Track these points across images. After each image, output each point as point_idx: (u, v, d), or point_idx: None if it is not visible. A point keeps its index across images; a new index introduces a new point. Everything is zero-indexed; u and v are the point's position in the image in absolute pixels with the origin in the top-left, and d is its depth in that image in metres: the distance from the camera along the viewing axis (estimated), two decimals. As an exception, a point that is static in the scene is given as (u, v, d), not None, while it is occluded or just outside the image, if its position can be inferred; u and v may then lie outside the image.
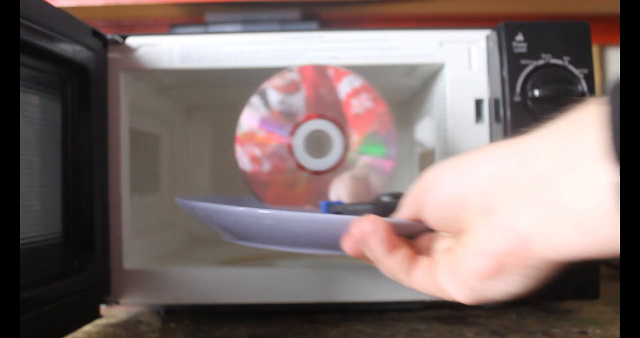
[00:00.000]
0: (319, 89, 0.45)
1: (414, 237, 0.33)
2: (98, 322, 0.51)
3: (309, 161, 0.46)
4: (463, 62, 0.50)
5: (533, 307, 0.55)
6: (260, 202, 0.46)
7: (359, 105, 0.45)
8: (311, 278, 0.50)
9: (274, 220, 0.33)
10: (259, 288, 0.50)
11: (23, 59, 0.39)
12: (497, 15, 0.86)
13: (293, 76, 0.46)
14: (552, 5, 0.82)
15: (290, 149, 0.46)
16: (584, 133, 0.23)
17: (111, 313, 0.55)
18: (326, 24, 0.89)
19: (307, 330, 0.49)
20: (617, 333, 0.46)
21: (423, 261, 0.31)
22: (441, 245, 0.31)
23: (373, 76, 0.57)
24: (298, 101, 0.46)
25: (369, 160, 0.46)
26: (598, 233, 0.23)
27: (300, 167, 0.46)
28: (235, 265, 0.53)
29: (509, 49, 0.46)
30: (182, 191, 0.74)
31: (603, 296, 0.49)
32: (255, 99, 0.47)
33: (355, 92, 0.46)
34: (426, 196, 0.31)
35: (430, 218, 0.31)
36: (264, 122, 0.46)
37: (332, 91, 0.45)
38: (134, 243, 0.53)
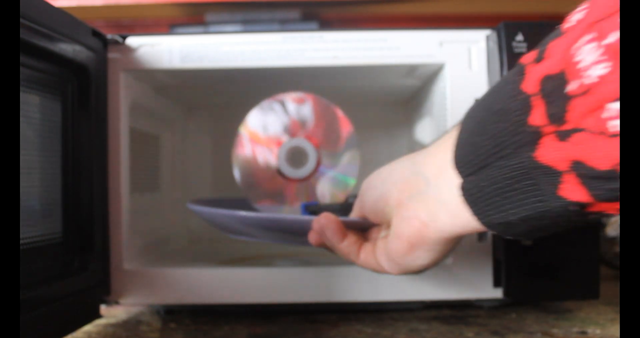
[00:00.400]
0: (299, 114, 0.56)
1: (366, 230, 0.42)
2: (98, 322, 0.51)
3: (289, 171, 0.55)
4: (463, 62, 0.50)
5: (533, 307, 0.55)
6: (253, 204, 0.56)
7: (329, 127, 0.56)
8: (311, 278, 0.50)
9: (257, 220, 0.44)
10: (259, 288, 0.50)
11: (23, 59, 0.39)
12: (497, 15, 0.86)
13: (275, 105, 0.56)
14: (552, 5, 0.82)
15: (275, 162, 0.55)
16: (446, 147, 0.34)
17: (111, 313, 0.55)
18: (326, 24, 0.89)
19: (307, 330, 0.49)
20: (617, 333, 0.46)
21: (367, 246, 0.41)
22: (381, 234, 0.41)
23: (373, 76, 0.57)
24: (281, 123, 0.56)
25: (335, 172, 0.56)
26: (461, 218, 0.33)
27: (282, 176, 0.55)
28: (235, 265, 0.53)
29: (509, 49, 0.46)
30: (182, 191, 0.74)
31: (603, 296, 0.49)
32: (243, 127, 0.57)
33: (325, 116, 0.56)
34: (364, 198, 0.41)
35: (368, 213, 0.41)
36: (253, 142, 0.56)
37: (309, 115, 0.56)
38: (134, 243, 0.53)
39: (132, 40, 0.50)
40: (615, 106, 0.24)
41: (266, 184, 0.55)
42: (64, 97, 0.45)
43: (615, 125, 0.24)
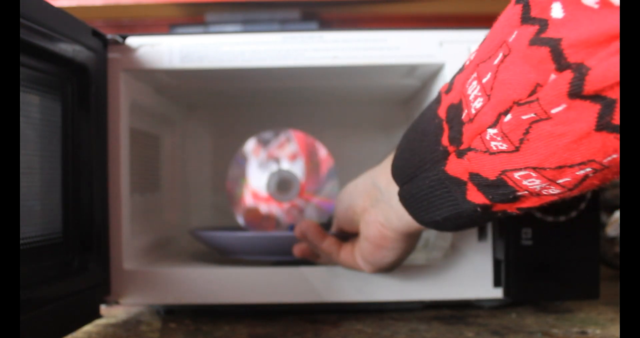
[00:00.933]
0: (289, 148, 0.67)
1: (349, 237, 0.49)
2: (98, 322, 0.51)
3: (277, 196, 0.65)
4: (463, 62, 0.50)
5: (533, 307, 0.55)
6: (245, 228, 0.65)
7: (311, 162, 0.66)
8: (311, 278, 0.50)
9: (251, 239, 0.54)
10: (259, 288, 0.50)
11: (23, 59, 0.39)
12: (496, 15, 0.86)
13: (265, 138, 0.67)
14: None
15: (265, 189, 0.65)
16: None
17: (111, 313, 0.55)
18: (326, 24, 0.89)
19: (307, 330, 0.49)
20: (617, 333, 0.46)
21: (347, 246, 0.48)
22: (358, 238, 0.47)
23: (373, 75, 0.57)
24: (272, 156, 0.66)
25: (315, 201, 0.66)
26: (405, 219, 0.40)
27: (271, 200, 0.65)
28: (235, 265, 0.53)
29: (509, 49, 0.46)
30: (182, 191, 0.74)
31: (603, 296, 0.49)
32: (239, 155, 0.67)
33: (309, 153, 0.66)
34: (337, 211, 0.49)
35: (342, 224, 0.49)
36: (247, 173, 0.67)
37: (297, 152, 0.67)
38: (134, 243, 0.53)
39: (132, 40, 0.50)
40: (492, 131, 0.30)
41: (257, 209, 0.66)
42: (64, 97, 0.45)
43: (495, 145, 0.30)
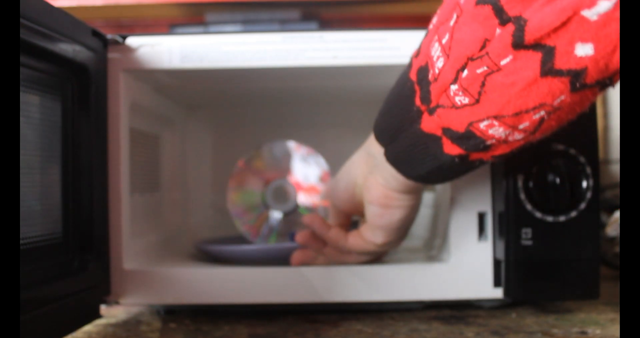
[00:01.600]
0: (286, 160, 0.68)
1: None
2: (98, 322, 0.51)
3: (275, 206, 0.66)
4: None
5: (533, 307, 0.55)
6: (245, 238, 0.66)
7: (311, 174, 0.68)
8: (311, 278, 0.50)
9: (255, 252, 0.57)
10: (259, 288, 0.50)
11: (23, 59, 0.39)
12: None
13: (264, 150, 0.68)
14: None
15: (263, 198, 0.66)
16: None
17: (111, 313, 0.55)
18: (326, 24, 0.89)
19: (307, 330, 0.49)
20: (617, 333, 0.46)
21: (353, 230, 0.51)
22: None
23: (373, 75, 0.57)
24: (270, 167, 0.67)
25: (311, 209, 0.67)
26: (397, 176, 0.43)
27: (271, 212, 0.66)
28: (235, 265, 0.53)
29: (509, 49, 0.46)
30: (182, 191, 0.74)
31: (603, 296, 0.49)
32: (238, 167, 0.68)
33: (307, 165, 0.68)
34: (335, 195, 0.51)
35: (343, 204, 0.51)
36: (247, 183, 0.68)
37: (289, 158, 0.68)
38: (134, 243, 0.53)
39: (132, 40, 0.50)
40: (454, 87, 0.32)
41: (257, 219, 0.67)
42: (64, 97, 0.45)
43: (459, 99, 0.33)
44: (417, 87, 0.36)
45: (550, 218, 0.48)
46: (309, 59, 0.50)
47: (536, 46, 0.28)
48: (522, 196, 0.48)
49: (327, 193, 0.54)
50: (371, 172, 0.46)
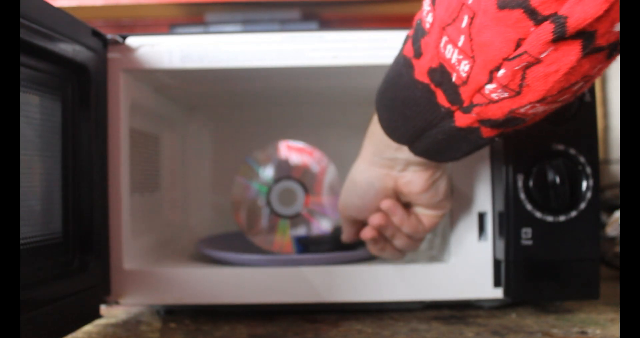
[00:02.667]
0: (289, 160, 0.65)
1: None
2: (98, 322, 0.51)
3: (281, 209, 0.63)
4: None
5: (533, 307, 0.55)
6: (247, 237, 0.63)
7: (315, 171, 0.65)
8: (311, 278, 0.50)
9: (257, 261, 0.54)
10: (259, 288, 0.50)
11: (23, 59, 0.39)
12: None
13: (271, 150, 0.65)
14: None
15: (267, 201, 0.63)
16: (381, 137, 0.44)
17: (111, 313, 0.55)
18: (326, 24, 0.89)
19: (307, 330, 0.49)
20: (617, 333, 0.46)
21: (413, 215, 0.49)
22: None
23: (373, 75, 0.57)
24: (274, 167, 0.64)
25: (322, 207, 0.64)
26: (422, 161, 0.44)
27: (275, 213, 0.63)
28: (235, 265, 0.53)
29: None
30: (182, 191, 0.74)
31: (603, 296, 0.49)
32: (244, 168, 0.65)
33: (308, 162, 0.65)
34: (355, 210, 0.50)
35: (363, 215, 0.50)
36: (251, 185, 0.65)
37: (296, 160, 0.65)
38: (134, 243, 0.53)
39: (132, 40, 0.50)
40: (490, 86, 0.33)
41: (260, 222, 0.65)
42: (64, 97, 0.45)
43: (496, 95, 0.33)
44: (435, 89, 0.36)
45: (550, 218, 0.48)
46: (309, 59, 0.50)
47: (577, 35, 0.28)
48: (522, 196, 0.48)
49: (341, 210, 0.52)
50: (401, 170, 0.46)
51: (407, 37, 0.40)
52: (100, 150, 0.48)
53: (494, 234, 0.50)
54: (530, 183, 0.47)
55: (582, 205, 0.48)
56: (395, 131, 0.42)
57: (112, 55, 0.50)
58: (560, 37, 0.29)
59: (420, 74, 0.37)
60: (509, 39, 0.30)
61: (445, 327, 0.49)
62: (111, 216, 0.49)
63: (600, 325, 0.49)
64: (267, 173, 0.64)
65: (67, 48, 0.42)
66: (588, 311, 0.53)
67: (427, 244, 0.64)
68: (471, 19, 0.32)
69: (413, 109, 0.38)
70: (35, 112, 0.42)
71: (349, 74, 0.56)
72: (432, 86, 0.36)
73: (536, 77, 0.31)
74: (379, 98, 0.42)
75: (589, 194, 0.48)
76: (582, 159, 0.48)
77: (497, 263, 0.50)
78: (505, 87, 0.32)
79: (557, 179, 0.47)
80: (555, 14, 0.28)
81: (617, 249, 0.69)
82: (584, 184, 0.48)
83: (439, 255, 0.56)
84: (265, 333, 0.48)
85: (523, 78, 0.31)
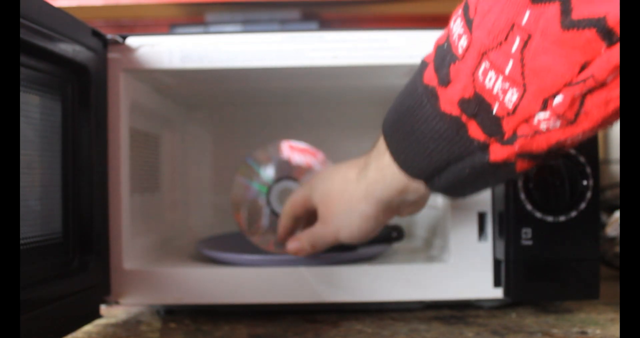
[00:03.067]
0: (289, 159, 0.65)
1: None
2: (98, 322, 0.51)
3: (280, 208, 0.60)
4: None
5: (533, 307, 0.55)
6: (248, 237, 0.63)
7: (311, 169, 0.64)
8: (311, 278, 0.50)
9: (256, 262, 0.53)
10: (259, 288, 0.50)
11: (23, 59, 0.39)
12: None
13: (271, 150, 0.65)
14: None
15: (267, 200, 0.63)
16: (381, 144, 0.41)
17: (111, 313, 0.55)
18: (326, 24, 0.89)
19: (307, 330, 0.49)
20: (617, 333, 0.46)
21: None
22: None
23: (373, 76, 0.57)
24: (274, 166, 0.64)
25: None
26: (396, 176, 0.40)
27: (275, 213, 0.62)
28: (235, 265, 0.53)
29: (509, 49, 0.46)
30: (182, 191, 0.74)
31: (603, 296, 0.49)
32: (244, 168, 0.65)
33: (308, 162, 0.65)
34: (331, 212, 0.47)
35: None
36: (251, 185, 0.65)
37: (298, 160, 0.64)
38: (134, 243, 0.53)
39: (132, 40, 0.50)
40: (543, 114, 0.29)
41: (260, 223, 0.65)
42: (64, 97, 0.45)
43: (546, 126, 0.30)
44: (467, 121, 0.33)
45: (550, 218, 0.48)
46: (309, 59, 0.50)
47: None
48: (522, 196, 0.48)
49: (301, 205, 0.51)
50: (403, 206, 0.44)
51: (425, 63, 0.36)
52: (100, 150, 0.48)
53: (494, 234, 0.50)
54: (530, 183, 0.47)
55: (582, 205, 0.48)
56: (413, 166, 0.38)
57: (112, 55, 0.50)
58: None
59: (449, 104, 0.33)
60: (574, 62, 0.27)
61: (445, 327, 0.49)
62: (111, 216, 0.49)
63: (600, 325, 0.49)
64: (267, 172, 0.64)
65: (67, 48, 0.42)
66: (588, 311, 0.53)
67: (427, 244, 0.64)
68: (525, 41, 0.28)
69: (437, 142, 0.35)
70: (35, 112, 0.42)
71: (349, 74, 0.56)
72: (463, 118, 0.33)
73: (596, 103, 0.28)
74: (390, 130, 0.39)
75: (589, 194, 0.48)
76: (582, 159, 0.48)
77: (497, 263, 0.50)
78: (560, 116, 0.29)
79: (557, 180, 0.47)
80: None
81: (617, 249, 0.69)
82: (584, 184, 0.48)
83: (439, 255, 0.56)
84: (265, 333, 0.48)
85: (581, 105, 0.28)
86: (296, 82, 0.60)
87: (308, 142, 0.66)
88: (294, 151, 0.65)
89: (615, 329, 0.47)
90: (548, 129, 0.30)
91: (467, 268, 0.50)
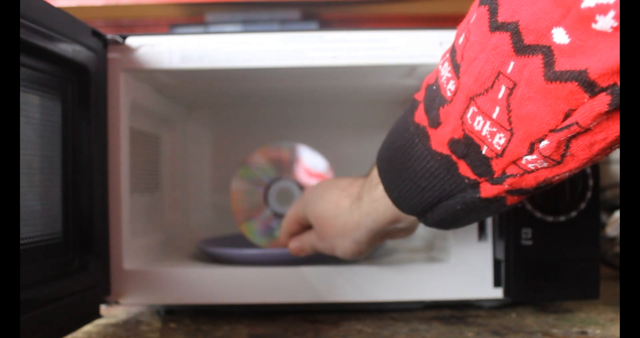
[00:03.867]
0: (289, 159, 0.66)
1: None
2: (98, 322, 0.51)
3: (279, 208, 0.64)
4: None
5: (533, 307, 0.55)
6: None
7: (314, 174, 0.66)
8: (311, 278, 0.50)
9: (255, 257, 0.54)
10: (259, 288, 0.50)
11: (23, 59, 0.39)
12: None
13: (271, 150, 0.66)
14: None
15: (266, 201, 0.64)
16: (374, 175, 0.42)
17: (111, 313, 0.55)
18: (326, 24, 0.89)
19: (307, 330, 0.49)
20: (617, 333, 0.46)
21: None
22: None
23: (373, 76, 0.57)
24: (274, 167, 0.65)
25: None
26: (388, 208, 0.41)
27: (274, 213, 0.64)
28: (235, 265, 0.53)
29: (509, 49, 0.46)
30: (182, 191, 0.74)
31: (603, 296, 0.49)
32: (243, 167, 0.65)
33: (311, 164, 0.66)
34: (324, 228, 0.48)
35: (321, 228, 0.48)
36: (251, 185, 0.65)
37: (296, 162, 0.66)
38: (134, 243, 0.53)
39: (132, 40, 0.50)
40: (530, 157, 0.30)
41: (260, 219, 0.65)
42: (64, 97, 0.45)
43: (534, 166, 0.31)
44: (457, 160, 0.34)
45: (550, 218, 0.48)
46: (309, 59, 0.50)
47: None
48: (522, 196, 0.48)
49: (300, 215, 0.51)
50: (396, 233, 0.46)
51: (416, 101, 0.37)
52: (100, 150, 0.48)
53: (494, 234, 0.50)
54: (530, 183, 0.47)
55: (582, 205, 0.48)
56: (406, 202, 0.38)
57: (112, 55, 0.50)
58: (616, 108, 0.26)
59: (439, 144, 0.34)
60: (557, 111, 0.28)
61: (445, 327, 0.49)
62: (111, 216, 0.49)
63: (600, 325, 0.49)
64: (266, 173, 0.64)
65: (67, 48, 0.42)
66: (588, 311, 0.53)
67: (427, 244, 0.64)
68: (510, 89, 0.29)
69: (429, 180, 0.36)
70: (35, 112, 0.42)
71: (349, 74, 0.56)
72: (454, 157, 0.34)
73: (581, 146, 0.29)
74: (384, 166, 0.39)
75: (589, 194, 0.48)
76: (582, 159, 0.48)
77: (497, 263, 0.50)
78: (546, 158, 0.30)
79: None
80: (615, 84, 0.26)
81: (617, 249, 0.69)
82: (584, 184, 0.48)
83: (439, 255, 0.56)
84: (265, 333, 0.48)
85: (567, 147, 0.29)
86: (296, 82, 0.60)
87: (308, 142, 0.66)
88: (293, 152, 0.66)
89: (615, 329, 0.47)
90: (536, 168, 0.31)
91: (467, 268, 0.50)
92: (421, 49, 0.50)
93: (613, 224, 0.69)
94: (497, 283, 0.50)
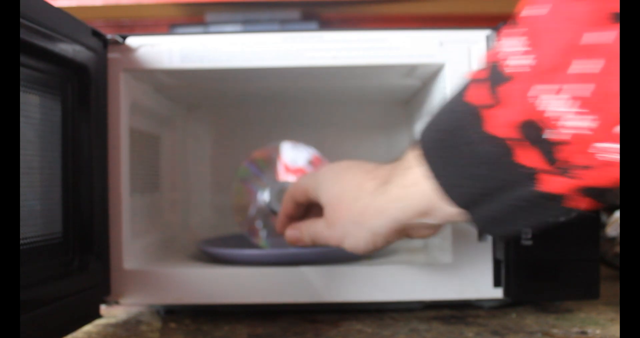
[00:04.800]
0: (289, 159, 0.65)
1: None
2: (98, 322, 0.51)
3: (279, 208, 0.59)
4: (463, 62, 0.50)
5: (533, 307, 0.55)
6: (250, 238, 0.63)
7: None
8: (311, 278, 0.50)
9: (255, 257, 0.54)
10: (259, 288, 0.50)
11: (23, 59, 0.39)
12: (497, 16, 0.86)
13: (270, 150, 0.65)
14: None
15: (267, 201, 0.63)
16: (412, 158, 0.37)
17: (111, 313, 0.55)
18: (326, 24, 0.89)
19: (307, 330, 0.49)
20: (617, 333, 0.46)
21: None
22: None
23: (373, 76, 0.57)
24: (273, 167, 0.64)
25: None
26: (422, 197, 0.37)
27: (274, 213, 0.62)
28: (235, 265, 0.53)
29: (509, 49, 0.46)
30: (182, 191, 0.74)
31: (603, 296, 0.49)
32: (243, 167, 0.65)
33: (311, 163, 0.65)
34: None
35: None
36: (251, 184, 0.65)
37: (296, 160, 0.65)
38: (134, 243, 0.53)
39: (132, 40, 0.50)
40: (606, 145, 0.27)
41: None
42: (64, 97, 0.45)
43: (608, 157, 0.27)
44: (513, 145, 0.30)
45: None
46: (309, 59, 0.50)
47: None
48: (522, 196, 0.48)
49: (305, 191, 0.47)
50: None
51: (470, 80, 0.34)
52: (100, 150, 0.48)
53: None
54: (530, 183, 0.47)
55: (582, 205, 0.48)
56: (455, 190, 0.34)
57: (112, 55, 0.50)
58: None
59: (496, 127, 0.30)
60: None
61: (445, 327, 0.49)
62: (111, 216, 0.49)
63: (600, 325, 0.49)
64: (266, 173, 0.64)
65: (67, 48, 0.42)
66: (588, 311, 0.53)
67: (427, 244, 0.64)
68: (592, 64, 0.26)
69: (479, 167, 0.32)
70: (35, 112, 0.42)
71: (349, 74, 0.56)
72: (510, 142, 0.30)
73: None
74: (430, 148, 0.35)
75: (589, 194, 0.48)
76: (582, 159, 0.48)
77: (497, 263, 0.50)
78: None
79: (557, 179, 0.47)
80: None
81: (617, 249, 0.69)
82: (584, 184, 0.48)
83: (439, 255, 0.56)
84: (265, 333, 0.48)
85: None
86: (296, 82, 0.60)
87: (308, 142, 0.66)
88: (293, 152, 0.66)
89: (615, 329, 0.47)
90: (606, 164, 0.27)
91: (467, 268, 0.50)
92: (421, 49, 0.50)
93: (613, 224, 0.69)
94: (497, 283, 0.50)
